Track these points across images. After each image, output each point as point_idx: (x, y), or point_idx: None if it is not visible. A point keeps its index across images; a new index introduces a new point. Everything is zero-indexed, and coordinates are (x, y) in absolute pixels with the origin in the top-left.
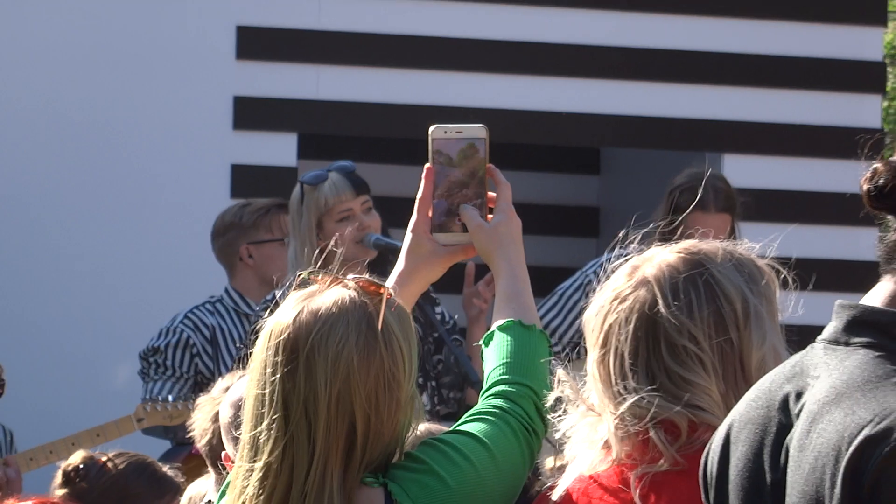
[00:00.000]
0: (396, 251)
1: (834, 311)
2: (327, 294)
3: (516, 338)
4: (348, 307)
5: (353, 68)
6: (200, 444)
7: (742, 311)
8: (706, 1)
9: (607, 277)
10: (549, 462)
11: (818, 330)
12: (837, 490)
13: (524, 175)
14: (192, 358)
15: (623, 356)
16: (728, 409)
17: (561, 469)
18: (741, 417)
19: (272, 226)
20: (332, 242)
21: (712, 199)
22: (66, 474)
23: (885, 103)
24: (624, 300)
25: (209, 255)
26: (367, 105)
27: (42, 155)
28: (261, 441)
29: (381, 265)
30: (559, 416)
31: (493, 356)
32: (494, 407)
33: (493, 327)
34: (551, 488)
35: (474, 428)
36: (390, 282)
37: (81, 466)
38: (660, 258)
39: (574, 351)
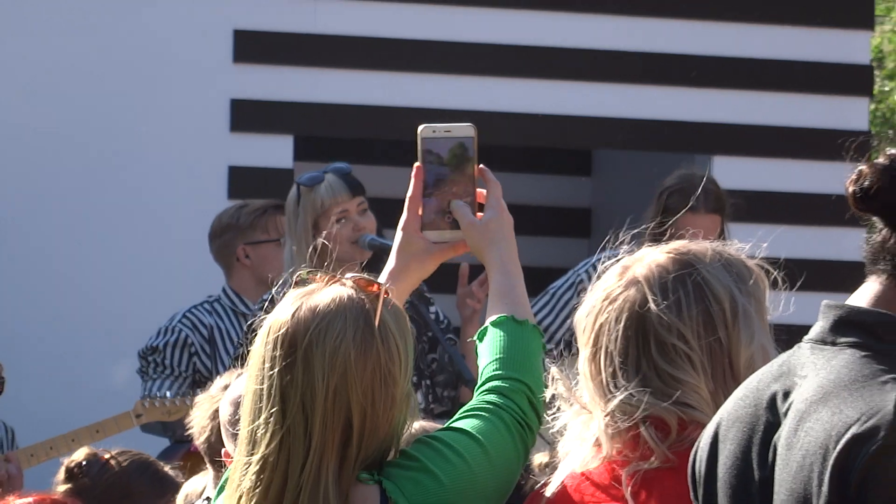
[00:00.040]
0: (391, 251)
1: (820, 312)
2: (325, 291)
3: (509, 333)
4: (346, 304)
5: (349, 71)
6: (199, 441)
7: (731, 311)
8: (696, 5)
9: (598, 277)
10: (537, 458)
11: (805, 329)
12: (825, 488)
13: (518, 177)
14: (191, 357)
15: (613, 355)
16: (717, 406)
17: (549, 465)
18: (729, 416)
19: (268, 226)
20: (318, 240)
21: (702, 201)
22: (68, 470)
23: (873, 106)
24: (614, 300)
25: (207, 255)
26: (363, 107)
27: (43, 157)
28: (258, 435)
29: (376, 265)
30: (553, 413)
31: (487, 352)
32: (488, 402)
33: (487, 323)
34: (544, 485)
35: (468, 424)
36: (382, 279)
37: (84, 463)
38: (650, 258)
39: (566, 349)
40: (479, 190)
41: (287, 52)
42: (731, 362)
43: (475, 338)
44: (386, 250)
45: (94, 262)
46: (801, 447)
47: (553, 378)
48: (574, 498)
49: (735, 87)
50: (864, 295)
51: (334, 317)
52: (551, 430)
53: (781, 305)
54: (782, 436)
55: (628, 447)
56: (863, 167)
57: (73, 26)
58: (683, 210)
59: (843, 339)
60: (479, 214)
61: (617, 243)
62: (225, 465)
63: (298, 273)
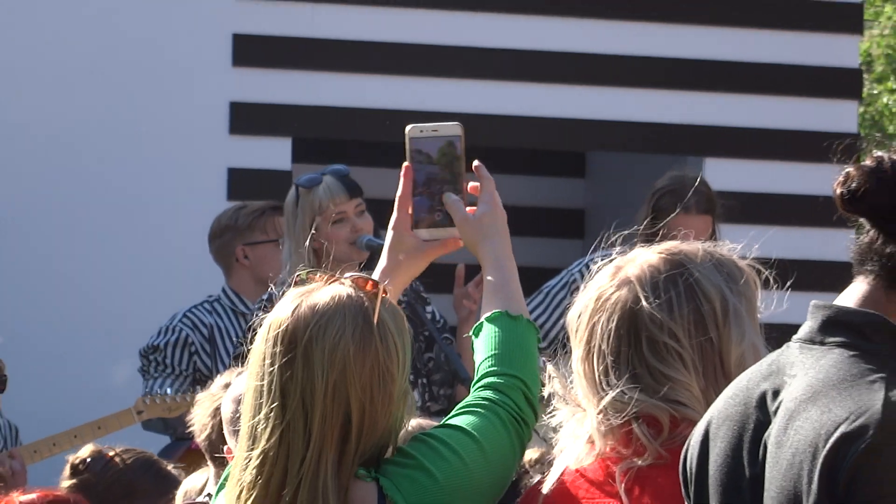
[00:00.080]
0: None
1: (809, 312)
2: (324, 290)
3: (504, 329)
4: (345, 302)
5: (347, 75)
6: (200, 438)
7: (721, 310)
8: (688, 9)
9: (591, 277)
10: (528, 454)
11: (795, 328)
12: (814, 485)
13: (513, 178)
14: (191, 356)
15: (606, 353)
16: (708, 404)
17: (539, 461)
18: (719, 414)
19: (267, 227)
20: (309, 239)
21: (693, 202)
22: (73, 466)
23: (862, 109)
24: (607, 299)
25: (207, 255)
26: (360, 110)
27: (44, 158)
28: (258, 430)
29: (374, 266)
30: (550, 411)
31: (482, 348)
32: (484, 399)
33: (482, 318)
34: (540, 482)
35: (463, 421)
36: (374, 278)
37: (89, 459)
38: (642, 259)
39: (560, 348)
40: (473, 184)
41: (285, 55)
42: (721, 360)
43: (471, 333)
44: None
45: (95, 262)
46: (790, 445)
47: (550, 376)
48: (569, 494)
49: (726, 90)
50: (852, 295)
51: (334, 314)
52: (548, 427)
53: (773, 305)
54: (772, 434)
55: (621, 444)
56: (850, 169)
57: (74, 29)
58: (675, 211)
59: (831, 339)
60: (472, 209)
61: (609, 244)
62: (226, 462)
63: (298, 273)
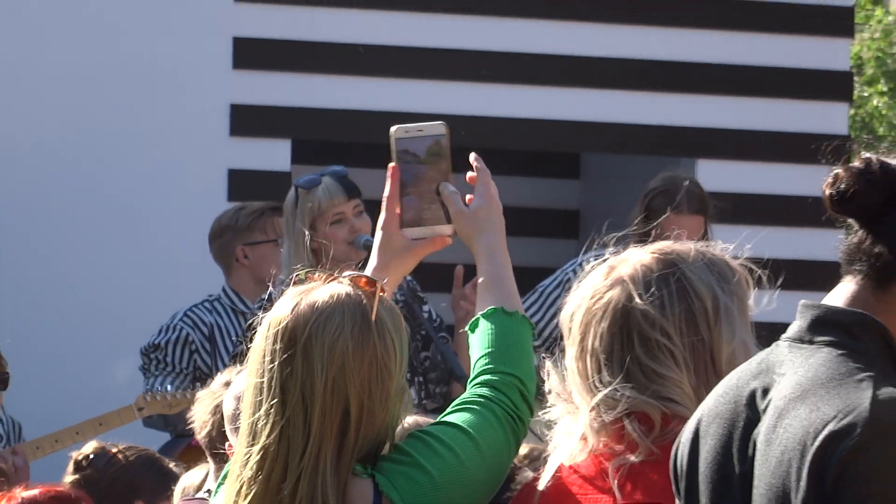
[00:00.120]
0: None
1: (798, 311)
2: (323, 288)
3: (499, 325)
4: (343, 300)
5: (345, 77)
6: (200, 435)
7: (712, 308)
8: (681, 13)
9: (584, 277)
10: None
11: (785, 326)
12: (803, 483)
13: (508, 179)
14: (191, 354)
15: (598, 351)
16: (699, 401)
17: (528, 457)
18: (710, 412)
19: (266, 227)
20: (308, 239)
21: (686, 202)
22: (76, 463)
23: (852, 111)
24: (600, 298)
25: (207, 255)
26: (359, 112)
27: (45, 160)
28: (259, 426)
29: None
30: (547, 408)
31: (478, 344)
32: (480, 396)
33: (477, 314)
34: (535, 479)
35: (459, 418)
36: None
37: (92, 456)
38: (635, 258)
39: (554, 346)
40: (471, 174)
41: (285, 58)
42: (713, 358)
43: (467, 328)
44: None
45: (97, 262)
46: (779, 443)
47: (548, 372)
48: (563, 491)
49: (719, 92)
50: (841, 295)
51: (333, 312)
52: (542, 423)
53: (763, 304)
54: (762, 432)
55: (613, 440)
56: (838, 171)
57: (76, 32)
58: (667, 211)
59: (820, 338)
60: (469, 197)
61: (602, 243)
62: (226, 459)
63: (297, 273)
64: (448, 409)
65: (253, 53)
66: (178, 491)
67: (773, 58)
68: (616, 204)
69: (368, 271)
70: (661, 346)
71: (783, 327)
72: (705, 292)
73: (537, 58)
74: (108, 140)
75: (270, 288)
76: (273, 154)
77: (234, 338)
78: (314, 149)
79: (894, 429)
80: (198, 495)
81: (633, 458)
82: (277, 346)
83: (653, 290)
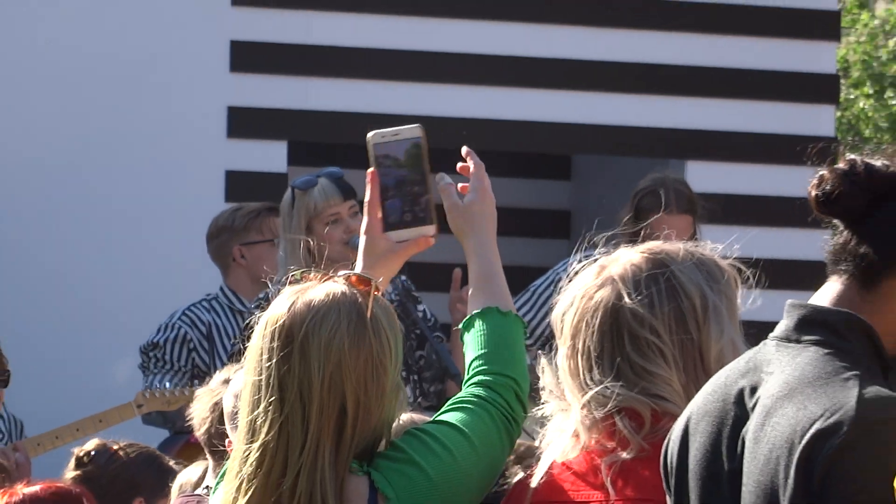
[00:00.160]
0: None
1: (785, 311)
2: (319, 287)
3: (494, 325)
4: (339, 298)
5: (341, 80)
6: (199, 432)
7: (701, 307)
8: (671, 17)
9: (575, 275)
10: None
11: (772, 326)
12: (791, 480)
13: (501, 181)
14: (190, 352)
15: (590, 349)
16: (689, 398)
17: (514, 453)
18: (699, 410)
19: (262, 228)
20: (304, 239)
21: (674, 201)
22: (78, 459)
23: (839, 113)
24: (591, 297)
25: (205, 255)
26: (354, 114)
27: (47, 162)
28: (258, 423)
29: None
30: (540, 405)
31: (474, 344)
32: (475, 396)
33: (472, 312)
34: (529, 476)
35: (454, 417)
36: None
37: (93, 452)
38: (625, 258)
39: (547, 345)
40: (462, 165)
41: (281, 61)
42: (701, 356)
43: (461, 326)
44: None
45: (97, 262)
46: (767, 441)
47: (542, 369)
48: (555, 487)
49: (708, 95)
50: (827, 294)
51: (329, 310)
52: (533, 419)
53: (750, 303)
54: (750, 430)
55: (605, 437)
56: (824, 172)
57: (78, 36)
58: (656, 210)
59: (806, 337)
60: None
61: (591, 243)
62: (225, 455)
63: (292, 273)
64: (443, 408)
65: (249, 56)
66: (175, 487)
67: (761, 61)
68: (607, 204)
69: None
70: (650, 344)
71: (771, 326)
72: (694, 291)
73: (530, 61)
74: (107, 142)
75: (269, 287)
76: (270, 156)
77: (231, 336)
78: (310, 150)
79: (880, 427)
80: (196, 492)
81: (624, 454)
82: (275, 344)
83: (642, 289)
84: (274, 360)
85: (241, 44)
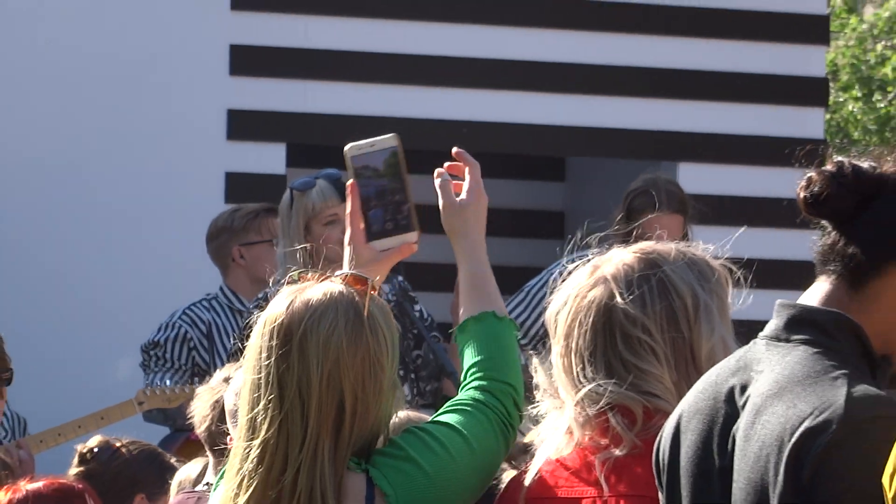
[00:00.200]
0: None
1: (775, 310)
2: (317, 287)
3: (492, 331)
4: (337, 297)
5: (338, 83)
6: (200, 430)
7: (692, 306)
8: (663, 21)
9: (568, 275)
10: None
11: (761, 325)
12: (780, 477)
13: (496, 182)
14: (190, 351)
15: (582, 348)
16: (680, 396)
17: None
18: (690, 408)
19: (261, 228)
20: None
21: (665, 201)
22: (81, 455)
23: (828, 116)
24: (584, 296)
25: (205, 256)
26: (351, 117)
27: (49, 164)
28: (258, 421)
29: None
30: (535, 403)
31: (472, 349)
32: (474, 399)
33: (467, 316)
34: (523, 473)
35: (452, 419)
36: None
37: (96, 449)
38: (618, 258)
39: (541, 344)
40: (452, 164)
41: (280, 65)
42: (693, 354)
43: (456, 329)
44: None
45: (98, 263)
46: (758, 439)
47: (535, 368)
48: (549, 483)
49: (700, 98)
50: (816, 294)
51: (326, 308)
52: (527, 417)
53: (741, 302)
54: (740, 427)
55: (598, 434)
56: (812, 174)
57: (80, 39)
58: (648, 210)
59: (796, 337)
60: (459, 183)
61: (582, 243)
62: (225, 452)
63: (290, 274)
64: (441, 410)
65: (249, 60)
66: (174, 484)
67: (751, 64)
68: (600, 206)
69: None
70: (642, 342)
71: (761, 325)
72: (685, 290)
73: (524, 65)
74: (108, 143)
75: (268, 286)
76: (268, 157)
77: (231, 335)
78: (308, 152)
79: (868, 425)
80: (197, 488)
81: (617, 451)
82: (274, 343)
83: (634, 288)
84: (273, 359)
85: (241, 48)
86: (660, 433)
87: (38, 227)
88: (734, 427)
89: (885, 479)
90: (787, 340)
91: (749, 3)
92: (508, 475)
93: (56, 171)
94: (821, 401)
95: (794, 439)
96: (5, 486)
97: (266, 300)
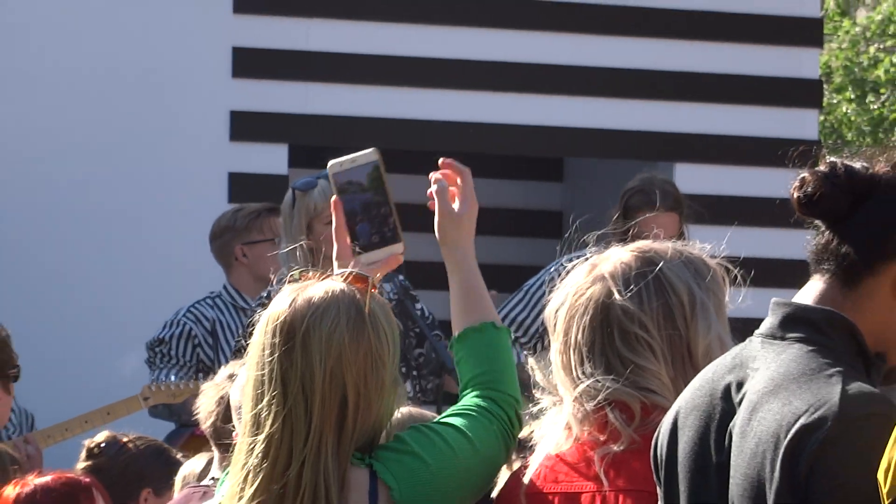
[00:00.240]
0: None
1: (770, 308)
2: (319, 285)
3: (494, 343)
4: (338, 295)
5: (339, 85)
6: (205, 425)
7: (689, 304)
8: (660, 24)
9: (567, 273)
10: None
11: (757, 322)
12: (776, 474)
13: (495, 182)
14: (194, 348)
15: (581, 344)
16: (677, 392)
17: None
18: (687, 405)
19: (263, 228)
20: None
21: (661, 200)
22: (89, 450)
23: (822, 117)
24: (582, 294)
25: (209, 255)
26: (352, 118)
27: (52, 164)
28: (262, 417)
29: None
30: (534, 402)
31: (474, 360)
32: (478, 406)
33: (464, 326)
34: (523, 468)
35: (456, 421)
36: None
37: (104, 444)
38: (616, 257)
39: (539, 342)
40: (441, 172)
41: (282, 67)
42: (689, 351)
43: (454, 338)
44: None
45: (101, 263)
46: (754, 435)
47: (532, 368)
48: (549, 478)
49: (696, 99)
50: (810, 293)
51: (328, 306)
52: (531, 414)
53: (737, 300)
54: (737, 424)
55: (596, 429)
56: (805, 175)
57: (85, 42)
58: (644, 209)
59: (791, 335)
60: (453, 189)
61: (580, 241)
62: (230, 447)
63: (291, 273)
64: (445, 413)
65: (251, 62)
66: (178, 479)
67: (746, 66)
68: (597, 205)
69: None
70: (639, 339)
71: (756, 323)
72: (682, 288)
73: (523, 67)
74: (112, 144)
75: (271, 285)
76: (271, 158)
77: (234, 332)
78: (310, 153)
79: (862, 423)
80: (202, 483)
81: (615, 447)
82: (277, 340)
83: (632, 286)
84: (276, 355)
85: (243, 50)
86: (658, 429)
87: (39, 227)
88: (731, 423)
89: (880, 476)
90: (783, 338)
91: (744, 7)
92: (505, 473)
93: (58, 171)
94: (816, 398)
95: (789, 436)
96: (14, 481)
97: (269, 298)
